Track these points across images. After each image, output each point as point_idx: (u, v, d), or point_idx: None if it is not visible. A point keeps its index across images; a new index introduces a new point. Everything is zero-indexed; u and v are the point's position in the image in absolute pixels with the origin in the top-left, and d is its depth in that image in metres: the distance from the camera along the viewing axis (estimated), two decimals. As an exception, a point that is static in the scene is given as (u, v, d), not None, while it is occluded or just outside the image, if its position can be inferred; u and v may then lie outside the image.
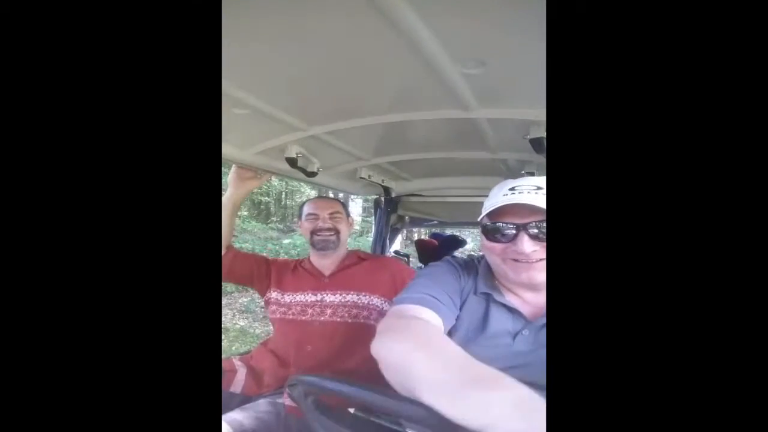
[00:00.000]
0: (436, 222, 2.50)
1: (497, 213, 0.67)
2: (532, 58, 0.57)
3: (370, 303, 1.19)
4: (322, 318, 1.17)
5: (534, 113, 0.82)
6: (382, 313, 1.19)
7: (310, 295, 1.21)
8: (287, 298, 1.23)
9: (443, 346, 0.52)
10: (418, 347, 0.52)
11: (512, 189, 0.67)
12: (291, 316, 1.19)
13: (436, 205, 1.92)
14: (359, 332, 1.16)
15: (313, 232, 1.24)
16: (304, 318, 1.18)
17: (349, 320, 1.17)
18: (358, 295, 1.19)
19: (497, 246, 0.68)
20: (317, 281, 1.23)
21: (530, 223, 0.64)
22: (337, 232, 1.24)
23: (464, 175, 1.57)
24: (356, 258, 1.28)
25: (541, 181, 0.67)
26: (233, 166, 1.20)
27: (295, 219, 1.42)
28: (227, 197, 1.23)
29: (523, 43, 0.57)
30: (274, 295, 1.25)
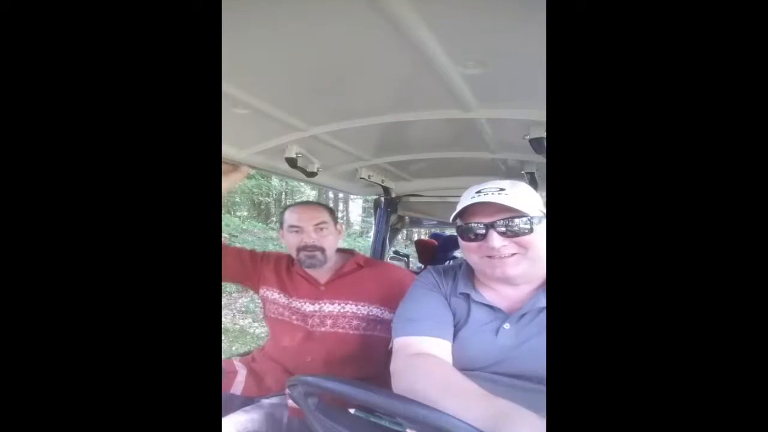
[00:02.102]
0: (436, 222, 2.50)
1: (467, 214, 0.74)
2: (532, 58, 0.57)
3: (370, 314, 1.13)
4: (323, 329, 1.12)
5: (534, 113, 0.82)
6: (383, 323, 1.14)
7: (307, 303, 1.14)
8: (284, 300, 1.17)
9: (458, 384, 0.60)
10: (437, 390, 0.58)
11: (478, 192, 0.73)
12: (290, 321, 1.15)
13: (436, 205, 1.92)
14: (360, 344, 1.12)
15: (297, 249, 1.12)
16: (304, 326, 1.13)
17: (351, 331, 1.11)
18: (356, 305, 1.13)
19: (472, 245, 0.74)
20: (314, 289, 1.16)
21: (497, 221, 0.71)
22: (323, 249, 1.12)
23: (464, 175, 1.57)
24: (355, 265, 1.18)
25: (505, 183, 0.74)
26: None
27: (279, 227, 1.24)
28: None
29: (523, 43, 0.57)
30: (268, 293, 1.20)
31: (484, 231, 0.72)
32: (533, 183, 1.23)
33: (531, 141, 0.88)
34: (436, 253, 2.67)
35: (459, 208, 0.74)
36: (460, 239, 0.76)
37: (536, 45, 0.46)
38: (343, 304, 1.13)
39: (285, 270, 1.21)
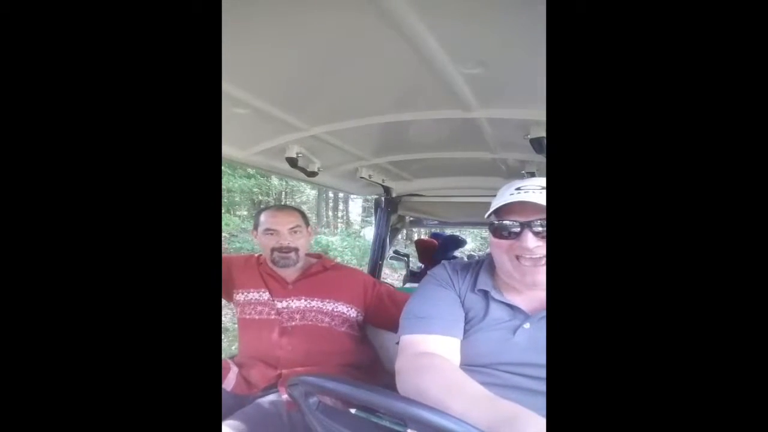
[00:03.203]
0: (436, 222, 2.50)
1: (504, 211, 0.70)
2: (532, 58, 0.57)
3: (335, 310, 1.19)
4: (293, 323, 1.17)
5: (534, 113, 0.82)
6: (347, 320, 1.20)
7: (276, 301, 1.20)
8: (255, 297, 1.22)
9: (463, 385, 0.59)
10: (442, 390, 0.57)
11: (518, 189, 0.70)
12: (265, 317, 1.19)
13: (436, 205, 1.92)
14: (330, 337, 1.17)
15: (272, 249, 1.18)
16: (277, 320, 1.18)
17: (319, 324, 1.17)
18: (322, 302, 1.19)
19: (503, 243, 0.71)
20: (281, 288, 1.22)
21: (534, 221, 0.67)
22: (297, 250, 1.19)
23: (464, 175, 1.57)
24: (321, 267, 1.25)
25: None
26: None
27: (251, 229, 1.32)
28: None
29: (523, 43, 0.57)
30: (242, 296, 1.24)
31: (518, 230, 0.68)
32: (514, 180, 1.24)
33: (531, 141, 0.88)
34: (436, 252, 2.67)
35: (497, 204, 0.71)
36: (491, 236, 0.73)
37: (536, 45, 0.46)
38: (309, 300, 1.19)
39: (255, 270, 1.26)
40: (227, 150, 1.08)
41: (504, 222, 0.70)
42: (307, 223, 1.26)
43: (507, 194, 0.70)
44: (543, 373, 0.64)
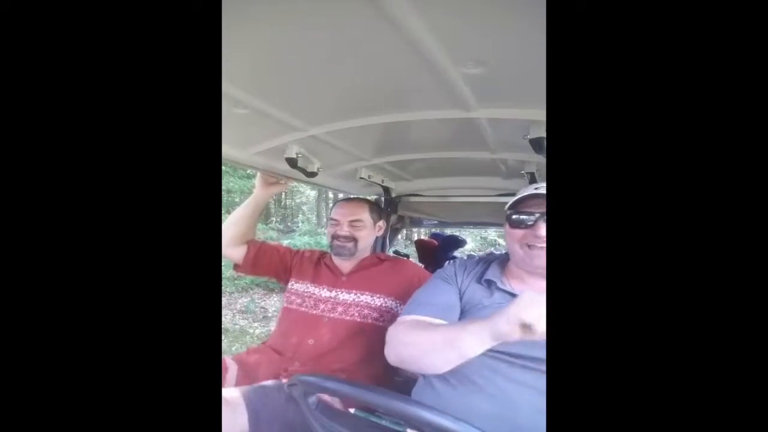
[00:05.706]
0: (436, 222, 2.49)
1: (522, 203, 0.79)
2: (532, 58, 0.57)
3: (383, 305, 1.20)
4: (332, 315, 1.19)
5: (534, 113, 0.82)
6: (394, 316, 1.19)
7: (325, 290, 1.24)
8: (303, 288, 1.27)
9: (435, 325, 0.71)
10: (416, 333, 0.71)
11: (537, 188, 0.79)
12: (303, 308, 1.23)
13: (436, 205, 1.92)
14: (365, 332, 1.17)
15: (332, 237, 1.26)
16: (315, 312, 1.21)
17: (358, 320, 1.18)
18: (372, 296, 1.21)
19: (518, 232, 0.79)
20: (335, 278, 1.26)
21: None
22: (355, 240, 1.25)
23: (464, 175, 1.57)
24: (376, 259, 1.30)
25: None
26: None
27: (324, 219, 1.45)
28: (252, 197, 1.33)
29: (523, 43, 0.57)
30: (292, 285, 1.29)
31: (533, 220, 0.76)
32: (533, 183, 1.23)
33: (531, 141, 0.88)
34: (436, 253, 2.67)
35: (517, 197, 0.80)
36: (507, 226, 0.81)
37: (536, 45, 0.46)
38: (359, 294, 1.21)
39: (315, 262, 1.32)
40: (227, 150, 1.08)
41: (521, 213, 0.78)
42: (376, 218, 1.31)
43: (529, 190, 0.80)
44: (539, 365, 0.67)
